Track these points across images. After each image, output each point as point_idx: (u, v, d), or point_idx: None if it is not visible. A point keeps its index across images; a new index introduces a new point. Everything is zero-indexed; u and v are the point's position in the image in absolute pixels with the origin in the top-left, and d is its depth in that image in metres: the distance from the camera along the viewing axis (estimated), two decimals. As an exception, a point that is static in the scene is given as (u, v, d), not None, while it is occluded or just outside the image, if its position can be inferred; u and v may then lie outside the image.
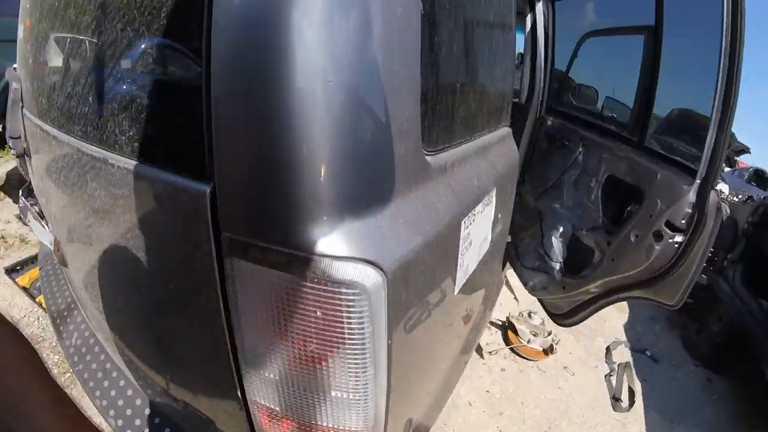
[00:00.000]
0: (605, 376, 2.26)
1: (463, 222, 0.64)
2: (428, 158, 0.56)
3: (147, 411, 0.96)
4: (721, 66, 0.98)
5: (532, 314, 2.46)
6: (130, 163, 0.54)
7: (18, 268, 2.51)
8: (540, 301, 1.93)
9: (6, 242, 2.97)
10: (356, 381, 0.49)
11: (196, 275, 0.51)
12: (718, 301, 2.56)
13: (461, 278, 0.70)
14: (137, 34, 0.53)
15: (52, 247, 0.90)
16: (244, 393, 0.55)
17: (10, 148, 3.49)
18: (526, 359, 2.25)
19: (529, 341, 2.26)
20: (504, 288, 2.86)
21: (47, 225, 0.94)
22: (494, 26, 0.94)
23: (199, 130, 0.44)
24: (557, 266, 1.62)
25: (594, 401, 2.09)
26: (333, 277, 0.43)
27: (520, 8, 1.96)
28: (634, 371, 2.31)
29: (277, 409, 0.53)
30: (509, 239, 2.12)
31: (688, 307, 2.93)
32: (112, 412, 0.99)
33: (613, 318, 2.91)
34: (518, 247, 1.93)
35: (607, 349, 2.47)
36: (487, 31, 0.91)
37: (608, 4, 1.74)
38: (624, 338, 2.68)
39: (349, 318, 0.44)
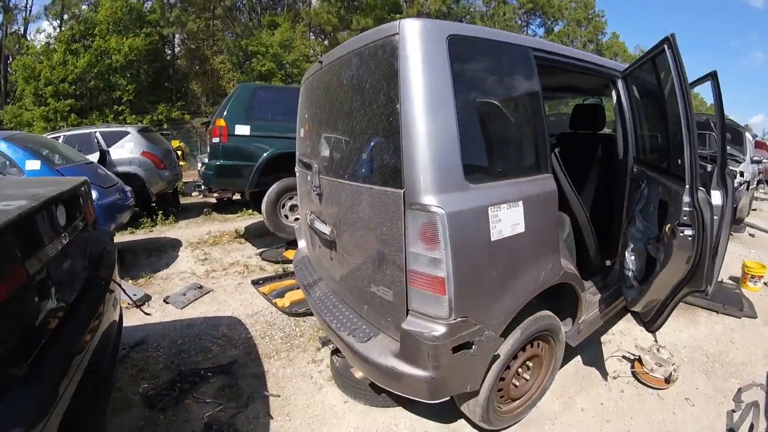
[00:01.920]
0: (727, 411, 2.38)
1: (489, 208, 1.62)
2: (469, 184, 1.59)
3: (360, 323, 2.01)
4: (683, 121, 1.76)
5: (661, 348, 2.78)
6: (371, 186, 1.77)
7: (261, 281, 4.43)
8: (638, 315, 2.44)
9: (248, 269, 4.91)
10: (438, 251, 1.51)
11: (395, 220, 1.63)
12: None
13: (495, 234, 1.63)
14: (365, 134, 1.80)
15: (329, 233, 2.17)
16: (407, 268, 1.61)
17: (247, 209, 6.06)
18: (647, 386, 2.58)
19: (651, 370, 2.59)
20: (642, 328, 3.19)
21: (326, 224, 2.25)
22: (522, 115, 1.95)
23: (399, 173, 1.59)
24: (632, 275, 2.23)
25: (707, 430, 2.26)
26: (430, 210, 1.51)
27: (605, 84, 2.80)
28: (762, 411, 2.36)
29: (415, 268, 1.58)
30: (609, 264, 2.74)
31: None
32: (342, 329, 2.00)
33: (758, 364, 2.87)
34: (623, 272, 2.55)
35: (739, 389, 2.54)
36: (513, 118, 1.94)
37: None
38: (763, 383, 2.64)
39: (434, 225, 1.50)
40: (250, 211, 7.82)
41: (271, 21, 21.47)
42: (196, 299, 4.03)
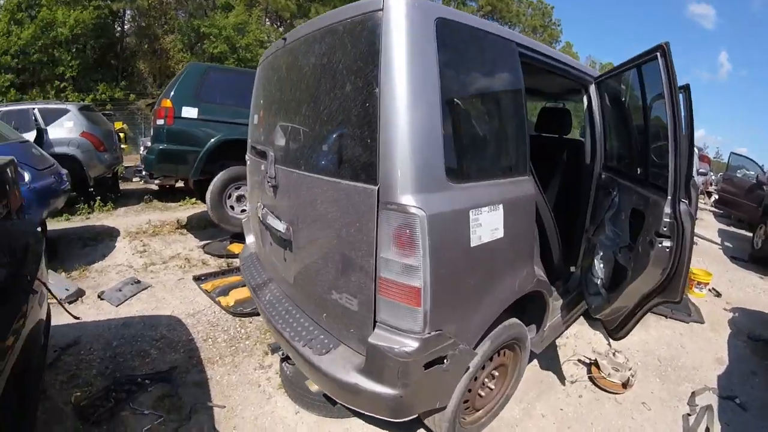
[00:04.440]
0: (683, 415, 2.42)
1: (471, 211, 1.46)
2: (451, 183, 1.42)
3: (317, 333, 1.79)
4: (670, 130, 1.66)
5: (616, 353, 2.78)
6: (337, 180, 1.54)
7: (203, 277, 4.08)
8: (602, 322, 2.40)
9: (190, 263, 4.56)
10: (414, 258, 1.32)
11: (366, 220, 1.41)
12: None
13: (475, 240, 1.48)
14: (334, 120, 1.58)
15: (284, 231, 1.92)
16: (376, 275, 1.41)
17: (190, 198, 5.52)
18: (605, 391, 2.57)
19: (609, 375, 2.59)
20: (598, 330, 3.30)
21: (281, 220, 1.99)
22: (505, 112, 1.82)
23: (374, 167, 1.38)
24: (600, 283, 2.17)
25: (665, 435, 2.27)
26: (409, 211, 1.31)
27: (578, 90, 2.75)
28: (716, 415, 2.41)
29: (387, 276, 1.38)
30: (573, 271, 2.69)
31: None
32: (297, 338, 1.79)
33: (708, 368, 2.95)
34: (586, 278, 2.49)
35: (692, 393, 2.60)
36: (496, 114, 1.80)
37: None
38: (714, 386, 2.72)
39: (412, 228, 1.31)
40: (194, 200, 7.34)
41: (226, 3, 20.32)
42: (133, 295, 3.69)
